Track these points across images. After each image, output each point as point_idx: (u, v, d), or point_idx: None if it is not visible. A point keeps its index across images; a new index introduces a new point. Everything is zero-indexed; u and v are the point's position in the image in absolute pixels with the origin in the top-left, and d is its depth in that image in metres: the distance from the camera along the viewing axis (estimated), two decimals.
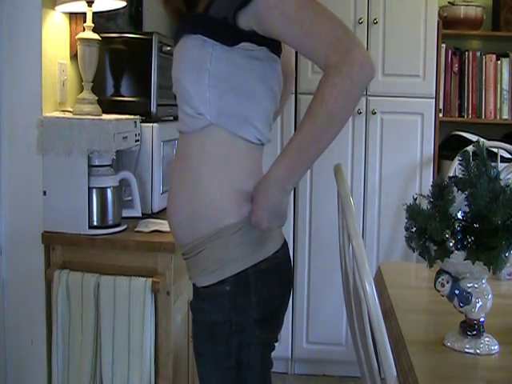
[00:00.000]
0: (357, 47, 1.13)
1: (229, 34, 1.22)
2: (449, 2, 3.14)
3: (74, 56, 2.28)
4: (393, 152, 2.99)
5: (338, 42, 1.13)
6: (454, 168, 2.80)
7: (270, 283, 1.27)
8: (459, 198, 1.27)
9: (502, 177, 1.29)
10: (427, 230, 1.26)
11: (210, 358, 1.30)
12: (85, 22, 2.15)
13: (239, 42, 1.22)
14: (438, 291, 1.35)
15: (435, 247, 1.27)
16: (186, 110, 1.29)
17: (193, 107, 1.27)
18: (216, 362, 1.29)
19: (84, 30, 2.16)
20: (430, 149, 2.98)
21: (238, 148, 1.27)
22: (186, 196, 1.28)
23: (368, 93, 2.95)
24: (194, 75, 1.25)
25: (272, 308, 1.29)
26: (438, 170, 3.03)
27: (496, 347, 1.33)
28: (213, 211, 1.25)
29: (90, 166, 2.05)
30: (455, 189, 1.28)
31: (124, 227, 2.13)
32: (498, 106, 3.11)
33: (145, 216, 2.25)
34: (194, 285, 1.34)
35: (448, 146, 3.10)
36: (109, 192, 2.10)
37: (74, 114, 2.12)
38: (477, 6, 3.10)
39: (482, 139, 2.72)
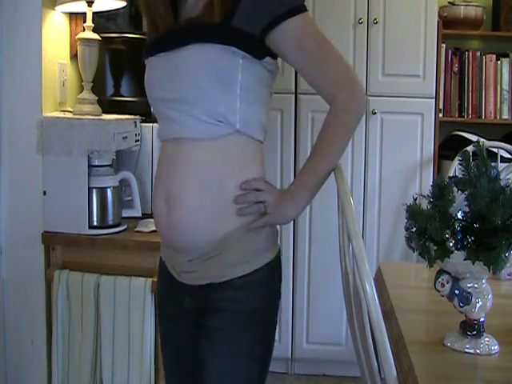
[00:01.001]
0: (360, 87, 1.37)
1: (257, 48, 1.30)
2: (449, 2, 3.14)
3: (74, 56, 2.29)
4: (393, 152, 2.99)
5: (347, 81, 1.34)
6: (454, 168, 2.80)
7: (280, 271, 1.42)
8: (459, 198, 1.27)
9: (502, 177, 1.29)
10: (427, 229, 1.26)
11: (242, 347, 1.35)
12: (85, 22, 2.15)
13: (265, 56, 1.32)
14: (438, 291, 1.35)
15: (435, 247, 1.27)
16: (202, 117, 1.29)
17: (213, 115, 1.29)
18: (247, 351, 1.35)
19: (84, 29, 2.16)
20: (430, 149, 2.98)
21: (255, 150, 1.37)
22: (210, 200, 1.31)
23: (368, 93, 2.95)
24: (223, 85, 1.29)
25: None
26: (438, 170, 3.03)
27: (496, 347, 1.33)
28: (235, 210, 1.33)
29: (90, 166, 2.06)
30: (455, 189, 1.28)
31: (124, 227, 2.13)
32: (498, 106, 3.11)
33: (145, 216, 2.25)
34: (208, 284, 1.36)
35: (448, 146, 3.10)
36: (109, 192, 2.10)
37: (74, 114, 2.12)
38: (477, 6, 3.10)
39: (481, 139, 2.72)
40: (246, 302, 1.35)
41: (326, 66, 1.34)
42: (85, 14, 2.14)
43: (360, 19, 2.91)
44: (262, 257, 1.36)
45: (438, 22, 2.95)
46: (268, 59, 1.33)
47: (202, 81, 1.28)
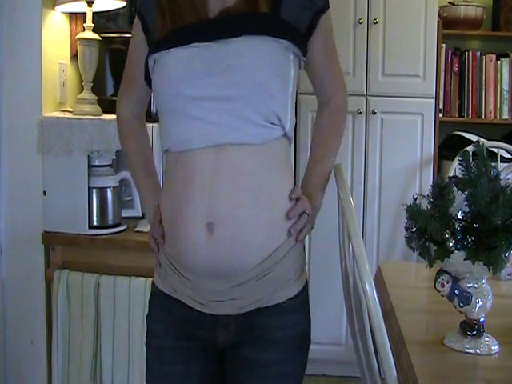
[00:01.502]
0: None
1: (303, 43, 1.25)
2: (449, 2, 3.14)
3: (73, 56, 2.29)
4: (393, 152, 2.98)
5: (344, 83, 1.38)
6: (454, 168, 2.80)
7: None
8: (459, 198, 1.27)
9: (501, 177, 1.29)
10: (427, 229, 1.26)
11: (297, 374, 1.27)
12: (85, 22, 2.15)
13: (306, 52, 1.27)
14: (438, 291, 1.35)
15: (435, 247, 1.27)
16: (253, 118, 1.15)
17: (267, 116, 1.16)
18: (300, 376, 1.28)
19: (84, 29, 2.16)
20: (430, 149, 2.98)
21: (290, 155, 1.29)
22: (264, 214, 1.16)
23: (368, 93, 2.95)
24: (280, 82, 1.18)
25: None
26: (438, 170, 3.03)
27: (496, 347, 1.33)
28: (284, 220, 1.20)
29: (90, 166, 2.06)
30: (455, 189, 1.28)
31: (124, 227, 2.13)
32: (498, 106, 3.11)
33: (145, 216, 2.25)
34: (254, 310, 1.21)
35: (448, 146, 3.10)
36: (109, 192, 2.10)
37: (74, 114, 2.12)
38: (477, 6, 3.10)
39: (481, 139, 2.72)
40: (300, 326, 1.25)
41: (336, 66, 1.36)
42: (85, 13, 2.14)
43: (360, 19, 2.91)
44: (305, 271, 1.28)
45: (438, 22, 2.95)
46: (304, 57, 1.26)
47: (261, 76, 1.14)
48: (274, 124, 1.17)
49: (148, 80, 1.27)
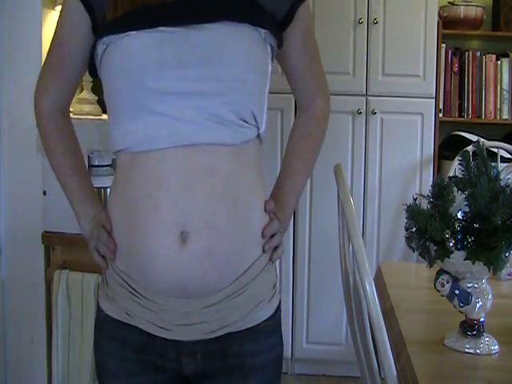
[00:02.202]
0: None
1: (279, 34, 1.10)
2: (449, 2, 3.14)
3: None
4: (393, 152, 2.98)
5: (326, 86, 1.26)
6: (454, 168, 2.80)
7: None
8: (459, 198, 1.27)
9: (502, 177, 1.29)
10: (427, 229, 1.26)
11: None
12: None
13: (282, 45, 1.12)
14: (438, 291, 1.35)
15: (435, 247, 1.27)
16: (227, 117, 1.02)
17: (242, 115, 1.03)
18: None
19: None
20: (430, 149, 2.98)
21: (262, 157, 1.13)
22: (242, 224, 1.04)
23: (368, 93, 2.95)
24: (259, 79, 1.06)
25: None
26: (438, 170, 3.03)
27: (496, 347, 1.33)
28: (260, 233, 1.08)
29: (90, 166, 2.06)
30: (455, 189, 1.28)
31: None
32: (498, 106, 3.11)
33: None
34: (228, 335, 1.07)
35: (448, 146, 3.10)
36: (109, 192, 2.10)
37: (74, 114, 2.12)
38: (477, 6, 3.10)
39: (481, 139, 2.72)
40: (276, 350, 1.13)
41: (317, 67, 1.22)
42: None
43: (360, 19, 2.91)
44: (278, 288, 1.14)
45: (438, 22, 2.95)
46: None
47: (241, 71, 1.02)
48: (249, 124, 1.05)
49: (92, 67, 1.10)
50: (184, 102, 0.99)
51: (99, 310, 1.13)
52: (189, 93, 0.99)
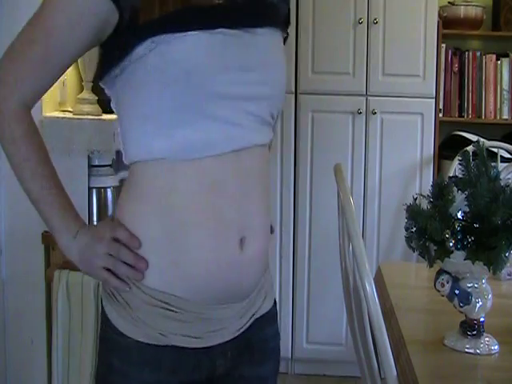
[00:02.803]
0: None
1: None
2: (449, 2, 3.14)
3: None
4: (393, 152, 2.99)
5: None
6: (454, 168, 2.80)
7: None
8: (459, 197, 1.27)
9: (501, 177, 1.29)
10: (427, 229, 1.26)
11: None
12: None
13: None
14: (438, 291, 1.35)
15: (435, 247, 1.27)
16: (267, 118, 1.03)
17: (274, 116, 1.06)
18: None
19: None
20: (429, 149, 2.98)
21: None
22: (268, 221, 1.07)
23: (368, 93, 2.95)
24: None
25: None
26: (438, 170, 3.03)
27: (496, 347, 1.33)
28: None
29: (90, 166, 2.06)
30: (455, 189, 1.28)
31: None
32: (498, 106, 3.11)
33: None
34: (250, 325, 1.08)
35: (448, 145, 3.10)
36: (109, 192, 2.10)
37: (74, 114, 2.12)
38: (477, 5, 3.10)
39: (481, 139, 2.72)
40: (278, 336, 1.16)
41: None
42: None
43: (360, 19, 2.91)
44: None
45: (438, 22, 2.95)
46: None
47: (283, 75, 1.05)
48: (274, 123, 1.09)
49: (103, 71, 0.99)
50: (240, 105, 0.97)
51: (120, 335, 1.01)
52: (246, 97, 0.98)
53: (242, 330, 1.05)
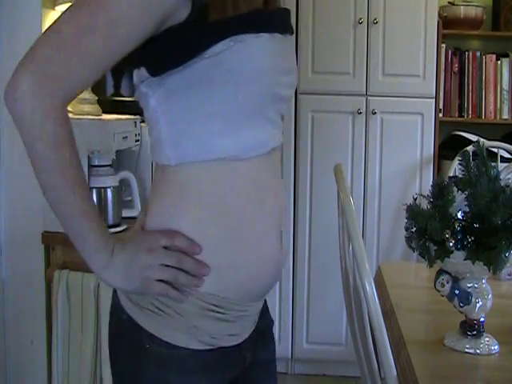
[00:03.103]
0: None
1: None
2: (449, 2, 3.14)
3: None
4: (393, 152, 2.99)
5: None
6: (454, 168, 2.80)
7: None
8: (459, 197, 1.27)
9: (501, 177, 1.29)
10: (427, 229, 1.26)
11: None
12: None
13: None
14: (438, 291, 1.35)
15: (435, 247, 1.28)
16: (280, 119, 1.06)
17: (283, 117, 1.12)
18: None
19: None
20: (429, 149, 2.98)
21: None
22: None
23: (368, 93, 2.95)
24: None
25: None
26: (438, 170, 3.03)
27: (496, 347, 1.33)
28: None
29: (90, 166, 2.05)
30: (455, 189, 1.28)
31: (124, 227, 2.13)
32: (498, 106, 3.11)
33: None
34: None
35: (448, 146, 3.10)
36: (109, 192, 2.10)
37: (74, 114, 2.12)
38: (477, 5, 3.10)
39: (482, 139, 2.72)
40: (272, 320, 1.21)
41: None
42: None
43: (360, 19, 2.91)
44: None
45: (438, 22, 2.95)
46: None
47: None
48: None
49: (162, 64, 0.92)
50: (279, 106, 1.00)
51: (171, 348, 0.96)
52: (285, 99, 1.01)
53: (257, 320, 1.07)
